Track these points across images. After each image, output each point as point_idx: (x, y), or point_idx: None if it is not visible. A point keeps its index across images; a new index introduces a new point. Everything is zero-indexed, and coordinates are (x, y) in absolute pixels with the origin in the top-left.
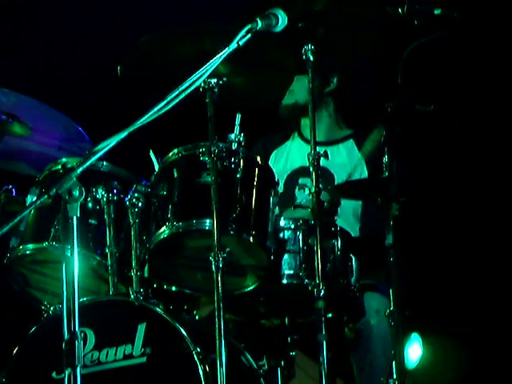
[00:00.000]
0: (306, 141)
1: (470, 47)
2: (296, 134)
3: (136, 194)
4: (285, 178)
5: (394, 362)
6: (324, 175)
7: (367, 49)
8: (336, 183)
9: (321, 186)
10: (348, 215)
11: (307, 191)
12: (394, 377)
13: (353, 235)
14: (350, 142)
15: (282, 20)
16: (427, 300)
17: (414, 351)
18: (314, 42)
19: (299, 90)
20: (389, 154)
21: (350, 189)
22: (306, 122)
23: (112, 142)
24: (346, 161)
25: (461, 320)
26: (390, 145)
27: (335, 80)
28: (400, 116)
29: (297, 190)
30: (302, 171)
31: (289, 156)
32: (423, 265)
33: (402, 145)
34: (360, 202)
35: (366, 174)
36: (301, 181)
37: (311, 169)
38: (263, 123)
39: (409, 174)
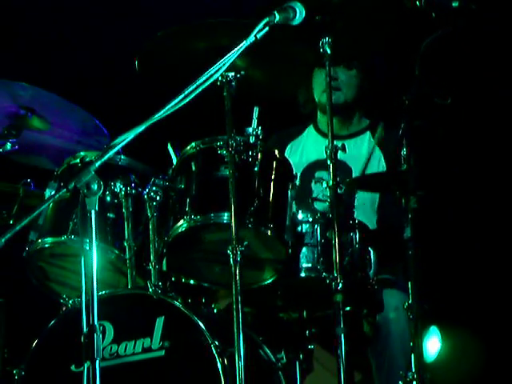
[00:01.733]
0: (323, 134)
1: (488, 40)
2: (312, 127)
3: (154, 188)
4: (301, 171)
5: (412, 355)
6: (341, 168)
7: (384, 41)
8: (354, 176)
9: (338, 179)
10: (366, 207)
11: (324, 184)
12: (413, 370)
13: (370, 227)
14: (368, 135)
15: (300, 13)
16: (446, 293)
17: (433, 344)
18: (332, 35)
19: (348, 88)
20: (407, 146)
21: (368, 182)
22: (325, 118)
23: (130, 135)
24: (364, 154)
25: (479, 313)
26: (408, 137)
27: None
28: (418, 108)
29: (313, 183)
30: (318, 164)
31: (304, 149)
32: (442, 258)
33: (420, 138)
34: (378, 194)
35: (383, 164)
36: (317, 174)
37: (328, 162)
38: (281, 116)
39: (427, 167)
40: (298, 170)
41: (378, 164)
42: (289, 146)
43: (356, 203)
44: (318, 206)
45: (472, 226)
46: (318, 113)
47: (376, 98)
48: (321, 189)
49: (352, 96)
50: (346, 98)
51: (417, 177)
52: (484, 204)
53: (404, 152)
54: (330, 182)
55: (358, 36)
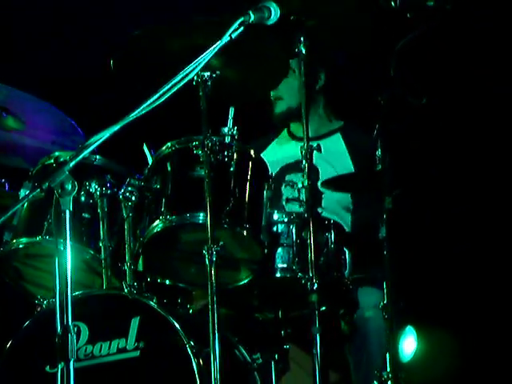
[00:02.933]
0: (296, 138)
1: (463, 40)
2: (285, 132)
3: (129, 188)
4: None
5: (387, 355)
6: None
7: (359, 42)
8: (320, 176)
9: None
10: (335, 207)
11: (295, 187)
12: (388, 369)
13: (345, 228)
14: (336, 136)
15: (275, 13)
16: (421, 293)
17: (409, 344)
18: (306, 35)
19: (289, 94)
20: (382, 147)
21: (343, 182)
22: (295, 124)
23: (105, 135)
24: (329, 154)
25: (456, 312)
26: (382, 138)
27: (323, 76)
28: (393, 109)
29: (283, 186)
30: (288, 168)
31: (277, 154)
32: (417, 257)
33: (395, 138)
34: (347, 195)
35: (351, 167)
36: (287, 177)
37: (304, 162)
38: (256, 116)
39: (401, 167)
40: None
41: (344, 164)
42: (263, 154)
43: (324, 204)
44: (289, 208)
45: (448, 225)
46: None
47: (343, 97)
48: (291, 191)
49: (296, 102)
50: (289, 105)
51: (392, 177)
52: (461, 203)
53: (379, 153)
54: (306, 182)
55: (332, 36)
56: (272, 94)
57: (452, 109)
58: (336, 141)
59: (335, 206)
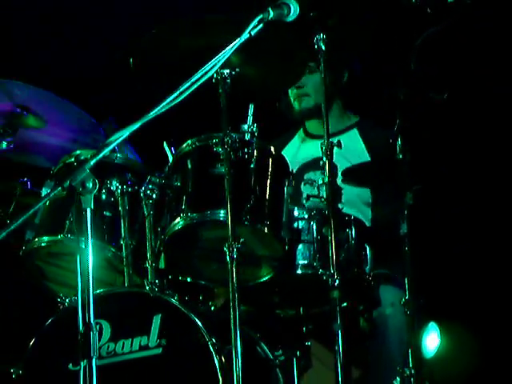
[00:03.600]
0: (312, 136)
1: (483, 34)
2: (301, 132)
3: (150, 186)
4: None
5: (409, 351)
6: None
7: (379, 38)
8: (339, 173)
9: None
10: (355, 202)
11: (316, 184)
12: (411, 365)
13: (365, 222)
14: (353, 132)
15: (294, 9)
16: (444, 289)
17: (432, 340)
18: (326, 32)
19: (316, 91)
20: (402, 142)
21: (361, 173)
22: (311, 121)
23: (125, 133)
24: (346, 151)
25: (478, 309)
26: (403, 133)
27: (346, 74)
28: (413, 104)
29: (302, 185)
30: (307, 166)
31: (294, 153)
32: (439, 253)
33: (415, 133)
34: (367, 189)
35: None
36: (306, 176)
37: (324, 159)
38: (276, 113)
39: (421, 163)
40: None
41: (362, 159)
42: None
43: (343, 199)
44: (309, 205)
45: (470, 221)
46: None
47: (361, 94)
48: (310, 189)
49: (322, 97)
50: (316, 102)
51: (412, 172)
52: (482, 199)
53: (399, 144)
54: (326, 179)
55: (352, 33)
56: (296, 91)
57: (473, 103)
58: (353, 136)
59: (355, 200)
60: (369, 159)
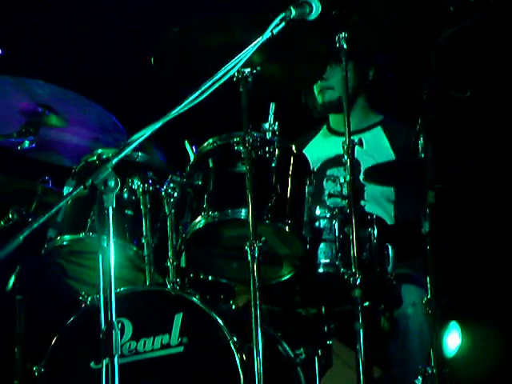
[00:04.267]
0: (336, 133)
1: (506, 33)
2: (325, 128)
3: (171, 185)
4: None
5: (431, 350)
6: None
7: (401, 36)
8: (362, 170)
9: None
10: (378, 198)
11: (338, 181)
12: (432, 365)
13: (388, 220)
14: (377, 129)
15: (316, 8)
16: (466, 288)
17: (453, 340)
18: (348, 30)
19: (341, 84)
20: (424, 140)
21: (383, 173)
22: (334, 117)
23: (147, 132)
24: (371, 148)
25: (500, 308)
26: (425, 131)
27: (371, 72)
28: (435, 102)
29: (325, 181)
30: (330, 162)
31: (317, 150)
32: (461, 252)
33: (437, 131)
34: (390, 187)
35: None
36: (328, 172)
37: (345, 157)
38: (297, 112)
39: (445, 161)
40: None
41: (387, 158)
42: (304, 150)
43: (366, 197)
44: (331, 203)
45: (491, 219)
46: (330, 115)
47: (385, 92)
48: (332, 186)
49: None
50: (340, 95)
51: (434, 171)
52: (505, 197)
53: (421, 143)
54: (348, 177)
55: (373, 31)
56: (320, 83)
57: (495, 101)
58: (377, 134)
59: (378, 197)
60: (393, 157)
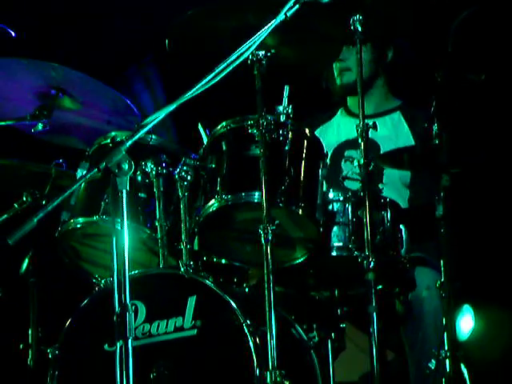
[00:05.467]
0: (354, 115)
1: None
2: (342, 110)
3: (185, 168)
4: (331, 152)
5: (445, 333)
6: (370, 146)
7: (415, 18)
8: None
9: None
10: (395, 182)
11: (355, 163)
12: (446, 348)
13: (402, 204)
14: (397, 114)
15: None
16: (479, 271)
17: (466, 323)
18: (362, 12)
19: (359, 65)
20: (439, 124)
21: (398, 157)
22: (353, 99)
23: (161, 115)
24: (391, 132)
25: None
26: (440, 115)
27: (390, 54)
28: (450, 85)
29: (343, 162)
30: (348, 144)
31: (335, 131)
32: (475, 236)
33: (452, 115)
34: (408, 172)
35: (412, 143)
36: (347, 153)
37: (359, 140)
38: (311, 95)
39: (460, 145)
40: (329, 151)
41: (407, 143)
42: (318, 130)
43: (384, 180)
44: (348, 185)
45: (507, 203)
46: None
47: (404, 77)
48: (350, 167)
49: (366, 74)
50: (357, 77)
51: (449, 155)
52: None
53: (435, 128)
54: (362, 161)
55: (389, 12)
56: (338, 65)
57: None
58: (397, 119)
59: (396, 181)
60: (413, 142)
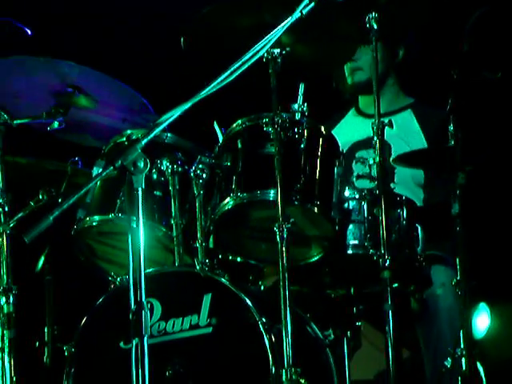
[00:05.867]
0: (365, 115)
1: None
2: (353, 110)
3: (200, 166)
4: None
5: (461, 332)
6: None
7: (431, 16)
8: (393, 153)
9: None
10: (408, 182)
11: (366, 163)
12: (462, 346)
13: (416, 203)
14: (408, 112)
15: None
16: (495, 270)
17: (482, 321)
18: (378, 10)
19: (370, 65)
20: (454, 122)
21: (415, 158)
22: (364, 99)
23: (176, 113)
24: (401, 131)
25: None
26: (455, 113)
27: (401, 52)
28: (466, 83)
29: (354, 163)
30: (359, 145)
31: (346, 131)
32: (490, 234)
33: (468, 112)
34: (420, 170)
35: (425, 144)
36: (358, 154)
37: (375, 138)
38: (326, 93)
39: (475, 143)
40: None
41: (418, 141)
42: (333, 132)
43: (396, 180)
44: (359, 185)
45: None
46: (360, 96)
47: (415, 75)
48: (361, 167)
49: (378, 73)
50: (369, 76)
51: (465, 152)
52: None
53: (451, 128)
54: (377, 159)
55: (404, 10)
56: (349, 65)
57: None
58: (408, 117)
59: (408, 181)
60: (424, 141)
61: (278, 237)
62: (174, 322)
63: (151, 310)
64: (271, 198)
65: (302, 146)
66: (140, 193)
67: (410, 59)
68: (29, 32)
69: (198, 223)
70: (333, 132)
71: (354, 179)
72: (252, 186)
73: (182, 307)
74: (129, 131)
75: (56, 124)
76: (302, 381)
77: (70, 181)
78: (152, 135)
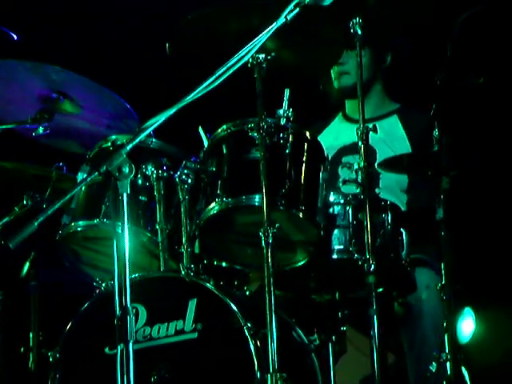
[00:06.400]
0: (351, 120)
1: None
2: (340, 115)
3: (185, 171)
4: (329, 158)
5: (446, 336)
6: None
7: (416, 21)
8: (378, 158)
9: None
10: (393, 187)
11: (352, 168)
12: (447, 351)
13: (401, 208)
14: (394, 118)
15: None
16: (480, 274)
17: (468, 326)
18: (364, 15)
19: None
20: (438, 127)
21: (399, 163)
22: (351, 104)
23: (161, 118)
24: (387, 136)
25: None
26: (439, 118)
27: (389, 58)
28: (449, 88)
29: (340, 168)
30: (345, 150)
31: (332, 136)
32: (474, 238)
33: (451, 118)
34: (404, 175)
35: (409, 149)
36: (344, 159)
37: (359, 143)
38: (312, 98)
39: (459, 147)
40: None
41: (402, 146)
42: (319, 137)
43: (381, 185)
44: (345, 190)
45: (507, 205)
46: (347, 101)
47: (402, 80)
48: (347, 173)
49: (364, 78)
50: (355, 80)
51: (449, 157)
52: None
53: (436, 133)
54: (362, 164)
55: (389, 15)
56: (336, 69)
57: (510, 88)
58: (393, 123)
59: (393, 186)
60: (409, 146)
61: (263, 242)
62: (159, 327)
63: (136, 315)
64: (256, 203)
65: (287, 151)
66: (125, 198)
67: (399, 65)
68: (15, 37)
69: (184, 228)
70: (319, 137)
71: (340, 184)
72: (237, 191)
73: (167, 312)
74: (114, 136)
75: (41, 129)
76: None
77: (55, 186)
78: (137, 140)
